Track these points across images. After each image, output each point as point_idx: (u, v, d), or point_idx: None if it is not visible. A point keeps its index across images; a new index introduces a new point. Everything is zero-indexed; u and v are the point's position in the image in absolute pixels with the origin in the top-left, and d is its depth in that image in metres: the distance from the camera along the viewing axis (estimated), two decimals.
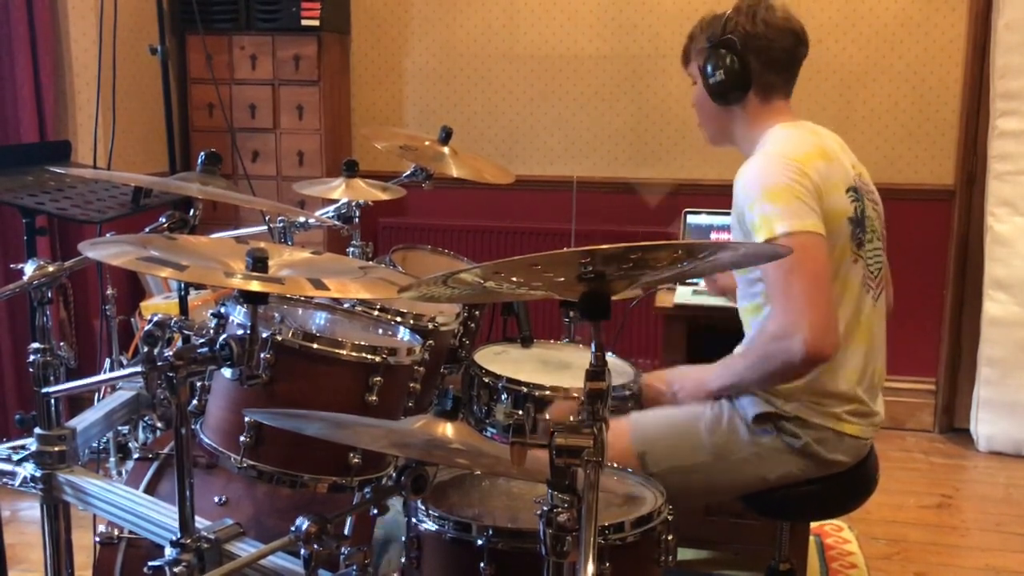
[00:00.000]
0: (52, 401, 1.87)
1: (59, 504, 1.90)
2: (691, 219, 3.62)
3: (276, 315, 1.78)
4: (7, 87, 3.47)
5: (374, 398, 1.65)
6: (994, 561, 2.99)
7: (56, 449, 1.88)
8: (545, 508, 1.25)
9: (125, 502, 1.82)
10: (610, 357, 1.86)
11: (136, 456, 2.09)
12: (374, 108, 4.46)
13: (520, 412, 2.04)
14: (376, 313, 2.00)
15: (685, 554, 2.64)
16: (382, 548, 2.42)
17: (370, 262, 2.21)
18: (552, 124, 4.29)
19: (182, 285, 2.65)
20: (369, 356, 1.65)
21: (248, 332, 1.40)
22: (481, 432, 2.10)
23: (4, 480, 1.93)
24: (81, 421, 2.02)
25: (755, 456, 1.99)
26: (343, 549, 1.45)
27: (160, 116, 3.36)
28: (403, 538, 1.65)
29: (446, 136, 2.60)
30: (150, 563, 1.48)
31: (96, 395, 2.83)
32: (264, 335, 1.56)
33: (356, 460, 1.64)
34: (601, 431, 1.23)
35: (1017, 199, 3.78)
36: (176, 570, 1.46)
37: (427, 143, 2.62)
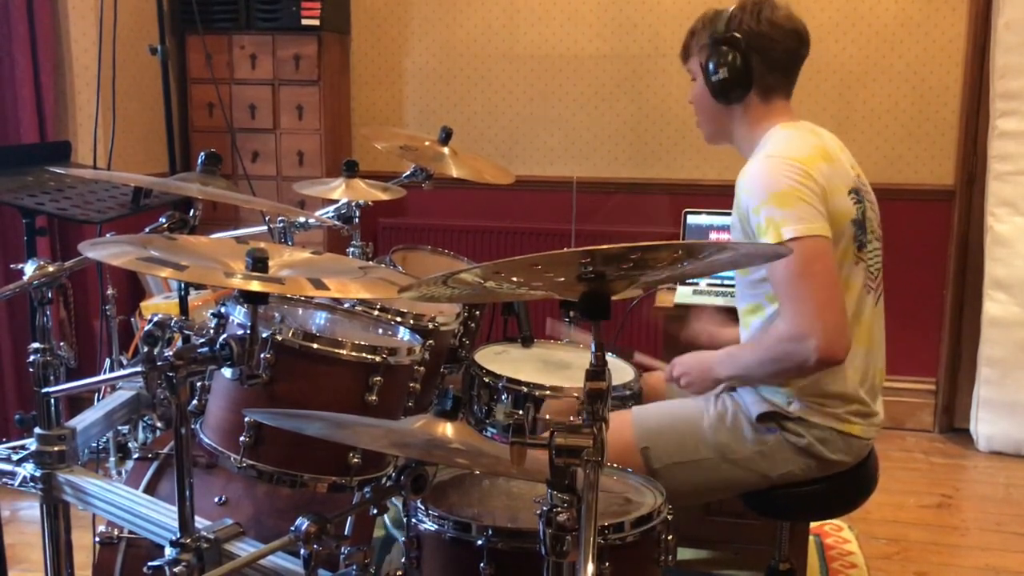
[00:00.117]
0: (52, 401, 1.87)
1: (59, 504, 1.90)
2: (691, 219, 3.62)
3: (276, 315, 1.78)
4: (7, 87, 3.47)
5: (374, 398, 1.65)
6: (994, 561, 2.99)
7: (56, 449, 1.88)
8: (545, 508, 1.25)
9: (125, 502, 1.82)
10: (611, 357, 1.86)
11: (136, 456, 2.09)
12: (374, 108, 4.46)
13: (520, 412, 2.04)
14: (376, 313, 2.00)
15: (685, 554, 2.64)
16: (383, 548, 2.42)
17: (370, 262, 2.21)
18: (552, 124, 4.29)
19: (182, 285, 2.65)
20: (369, 356, 1.65)
21: (248, 332, 1.40)
22: (481, 432, 2.10)
23: (4, 480, 1.93)
24: (81, 421, 2.02)
25: (759, 454, 1.99)
26: (343, 549, 1.45)
27: (160, 116, 3.35)
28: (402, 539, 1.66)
29: (446, 136, 2.60)
30: (150, 563, 1.48)
31: (96, 395, 2.83)
32: (264, 335, 1.56)
33: (356, 460, 1.64)
34: (601, 431, 1.23)
35: (1017, 199, 3.78)
36: (176, 570, 1.46)
37: (427, 143, 2.62)
